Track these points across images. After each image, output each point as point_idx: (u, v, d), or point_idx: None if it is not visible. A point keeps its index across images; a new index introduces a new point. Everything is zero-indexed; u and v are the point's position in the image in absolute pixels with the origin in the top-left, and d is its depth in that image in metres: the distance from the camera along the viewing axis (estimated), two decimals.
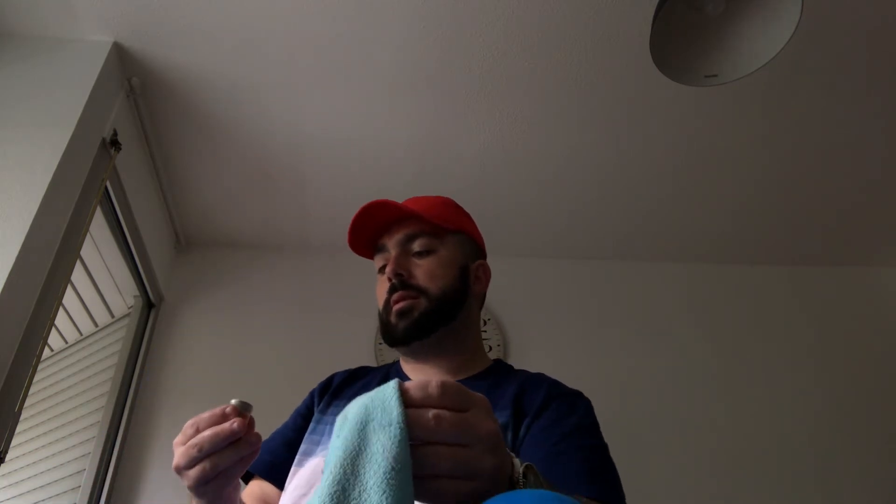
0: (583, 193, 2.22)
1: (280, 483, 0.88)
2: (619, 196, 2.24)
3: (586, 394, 0.87)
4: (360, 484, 0.39)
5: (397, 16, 1.62)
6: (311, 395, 1.01)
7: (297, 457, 0.87)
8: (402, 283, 0.89)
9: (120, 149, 1.69)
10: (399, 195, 0.92)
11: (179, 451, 0.62)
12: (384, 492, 0.38)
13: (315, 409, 0.96)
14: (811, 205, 2.30)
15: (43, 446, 1.96)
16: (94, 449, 1.88)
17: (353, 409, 0.46)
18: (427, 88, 1.80)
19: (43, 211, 1.35)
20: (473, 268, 0.97)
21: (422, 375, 0.92)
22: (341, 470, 0.40)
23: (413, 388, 0.45)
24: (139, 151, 1.92)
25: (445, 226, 0.94)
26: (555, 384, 0.89)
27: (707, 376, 2.31)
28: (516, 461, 0.48)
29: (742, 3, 1.28)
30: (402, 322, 0.88)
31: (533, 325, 2.36)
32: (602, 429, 0.82)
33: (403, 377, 0.93)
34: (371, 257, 0.99)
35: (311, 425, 0.92)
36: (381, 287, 0.93)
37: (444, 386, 0.45)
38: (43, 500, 1.82)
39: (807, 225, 2.40)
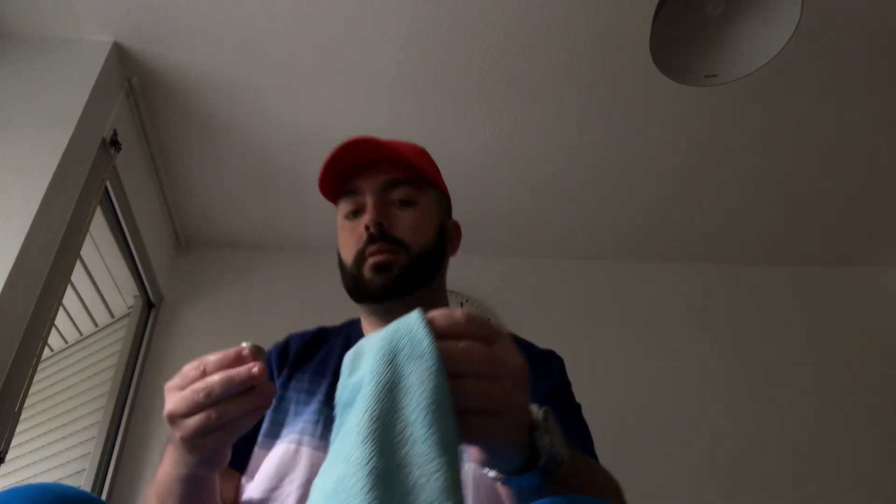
0: (583, 193, 2.22)
1: (236, 465, 0.78)
2: (619, 196, 2.24)
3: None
4: (401, 419, 0.35)
5: (397, 16, 1.62)
6: (268, 364, 0.88)
7: (260, 437, 0.79)
8: (382, 234, 0.79)
9: (120, 149, 1.69)
10: None
11: (177, 396, 0.52)
12: (430, 426, 0.34)
13: (275, 382, 0.85)
14: (811, 205, 2.30)
15: (43, 446, 1.96)
16: (94, 449, 1.88)
17: (371, 343, 0.42)
18: (427, 88, 1.80)
19: (43, 211, 1.35)
20: (449, 226, 0.91)
21: None
22: (378, 405, 0.36)
23: (439, 317, 0.42)
24: (139, 151, 1.92)
25: (428, 176, 0.86)
26: (526, 346, 0.85)
27: (707, 376, 2.31)
28: (534, 405, 0.47)
29: (742, 3, 1.28)
30: (379, 278, 0.78)
31: (533, 325, 2.35)
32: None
33: None
34: (336, 200, 0.88)
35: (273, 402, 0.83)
36: (352, 235, 0.83)
37: (470, 316, 0.43)
38: None
39: (807, 225, 2.40)
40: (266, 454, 0.76)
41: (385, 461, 0.33)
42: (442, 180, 0.92)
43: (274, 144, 1.97)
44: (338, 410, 0.43)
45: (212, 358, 0.53)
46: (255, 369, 0.51)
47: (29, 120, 1.46)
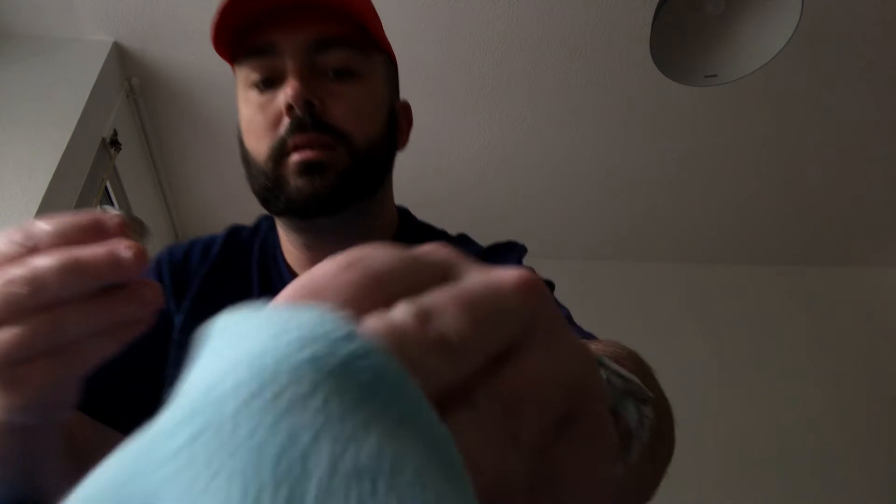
0: (583, 193, 2.22)
1: (106, 417, 0.54)
2: (618, 196, 2.24)
3: None
4: None
5: (397, 16, 1.62)
6: (158, 278, 0.63)
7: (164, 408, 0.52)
8: (313, 119, 0.55)
9: (120, 149, 1.69)
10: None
11: None
12: None
13: (174, 317, 0.60)
14: (811, 205, 2.30)
15: None
16: None
17: (267, 357, 0.14)
18: (427, 88, 1.80)
19: (43, 210, 1.35)
20: (399, 108, 0.66)
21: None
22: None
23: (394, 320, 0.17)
24: (139, 151, 1.92)
25: (376, 34, 0.59)
26: (484, 253, 0.66)
27: (706, 376, 2.31)
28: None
29: (742, 3, 1.28)
30: (309, 183, 0.54)
31: None
32: None
33: (286, 274, 0.63)
34: (234, 60, 0.59)
35: (173, 353, 0.58)
36: (263, 115, 0.56)
37: (409, 261, 0.20)
38: None
39: (807, 225, 2.40)
40: None
41: None
42: (387, 40, 0.63)
43: None
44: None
45: (46, 225, 0.29)
46: (126, 251, 0.29)
47: (29, 120, 1.46)
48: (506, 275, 0.18)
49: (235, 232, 0.69)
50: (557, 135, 1.97)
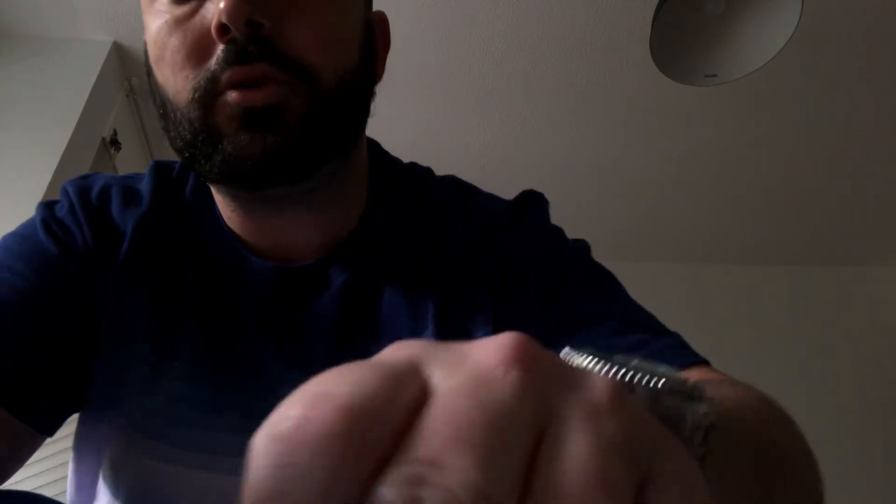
0: (582, 193, 2.22)
1: (28, 414, 0.41)
2: (618, 196, 2.24)
3: None
4: None
5: (397, 16, 1.61)
6: (59, 232, 0.46)
7: (87, 409, 0.46)
8: (261, 47, 0.38)
9: (120, 149, 1.69)
10: None
11: None
12: None
13: (102, 270, 0.46)
14: (811, 205, 2.30)
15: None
16: None
17: None
18: (427, 88, 1.81)
19: None
20: (375, 24, 0.49)
21: (268, 241, 0.47)
22: None
23: None
24: (139, 151, 1.92)
25: None
26: (498, 216, 0.52)
27: None
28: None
29: (742, 3, 1.28)
30: (257, 139, 0.38)
31: None
32: None
33: (228, 237, 0.48)
34: None
35: (107, 313, 0.45)
36: (184, 36, 0.39)
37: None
38: None
39: (807, 225, 2.40)
40: (95, 440, 0.45)
41: None
42: None
43: None
44: None
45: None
46: None
47: (29, 120, 1.46)
48: (488, 360, 0.14)
49: (163, 174, 0.51)
50: (557, 135, 1.97)
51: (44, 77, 1.55)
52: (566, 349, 0.20)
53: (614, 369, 0.19)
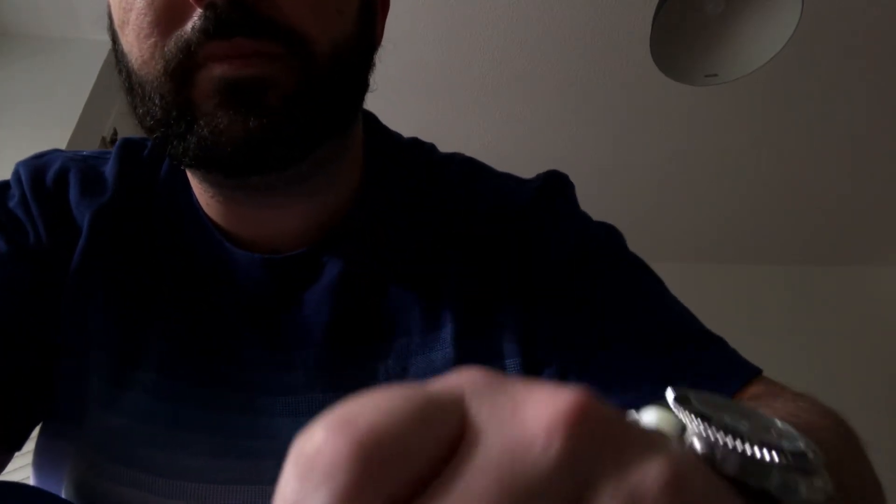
0: (582, 193, 2.20)
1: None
2: (618, 196, 2.24)
3: None
4: None
5: (397, 16, 1.62)
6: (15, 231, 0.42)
7: (52, 421, 0.42)
8: (245, 15, 0.33)
9: None
10: None
11: None
12: None
13: (53, 260, 0.42)
14: (811, 205, 2.30)
15: None
16: None
17: None
18: (427, 88, 1.80)
19: None
20: None
21: (253, 230, 0.43)
22: None
23: None
24: None
25: None
26: (522, 209, 0.46)
27: None
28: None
29: (742, 3, 1.28)
30: (239, 119, 0.33)
31: None
32: None
33: (208, 226, 0.44)
34: None
35: (65, 305, 0.41)
36: (156, 1, 0.34)
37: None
38: None
39: (806, 225, 2.40)
40: (55, 458, 0.41)
41: None
42: None
43: None
44: None
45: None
46: None
47: (29, 120, 1.46)
48: (537, 423, 0.13)
49: (131, 155, 0.48)
50: (557, 135, 1.97)
51: (44, 77, 1.55)
52: (644, 410, 0.17)
53: (700, 432, 0.15)
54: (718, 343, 0.43)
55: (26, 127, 1.45)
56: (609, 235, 0.48)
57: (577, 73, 1.77)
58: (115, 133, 1.67)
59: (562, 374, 0.41)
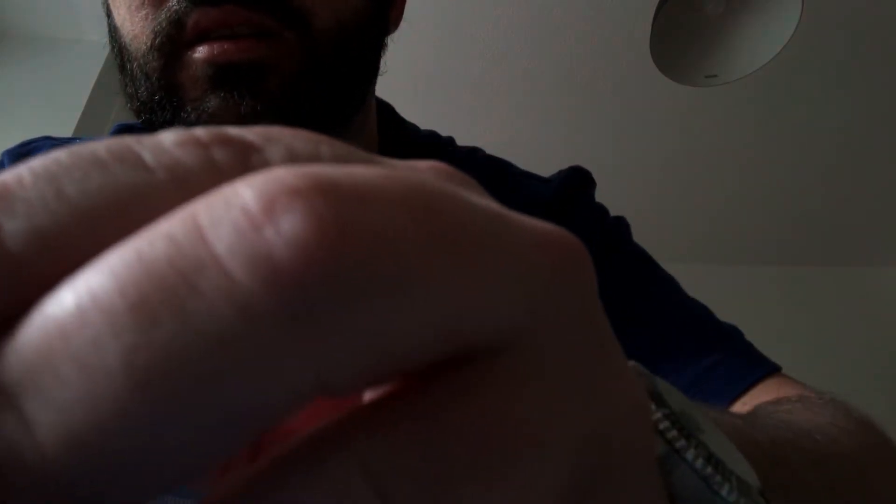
0: None
1: None
2: (618, 196, 2.24)
3: None
4: None
5: None
6: None
7: None
8: None
9: None
10: None
11: None
12: None
13: None
14: (810, 205, 2.30)
15: None
16: None
17: None
18: (427, 89, 1.81)
19: None
20: None
21: None
22: None
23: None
24: None
25: None
26: (545, 207, 0.45)
27: None
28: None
29: (742, 3, 1.28)
30: (230, 104, 0.30)
31: None
32: None
33: None
34: None
35: None
36: None
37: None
38: None
39: (805, 225, 2.40)
40: None
41: None
42: None
43: None
44: None
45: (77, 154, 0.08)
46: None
47: (29, 120, 1.46)
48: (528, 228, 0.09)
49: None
50: (557, 135, 1.97)
51: (44, 77, 1.55)
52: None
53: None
54: (734, 336, 0.43)
55: (26, 127, 1.45)
56: (627, 228, 0.49)
57: (577, 73, 1.77)
58: None
59: None
